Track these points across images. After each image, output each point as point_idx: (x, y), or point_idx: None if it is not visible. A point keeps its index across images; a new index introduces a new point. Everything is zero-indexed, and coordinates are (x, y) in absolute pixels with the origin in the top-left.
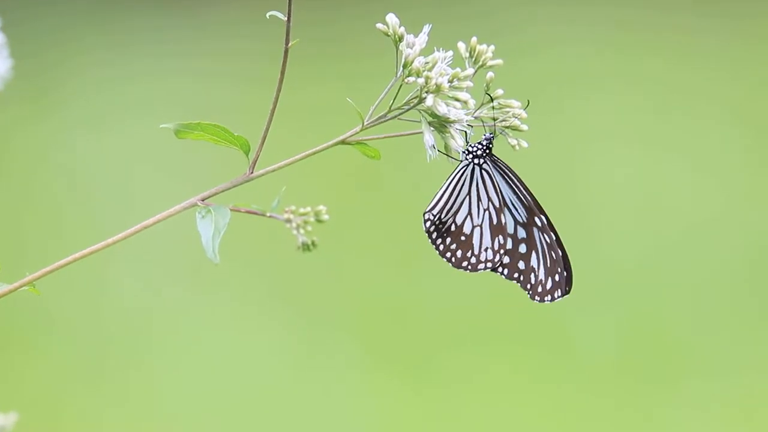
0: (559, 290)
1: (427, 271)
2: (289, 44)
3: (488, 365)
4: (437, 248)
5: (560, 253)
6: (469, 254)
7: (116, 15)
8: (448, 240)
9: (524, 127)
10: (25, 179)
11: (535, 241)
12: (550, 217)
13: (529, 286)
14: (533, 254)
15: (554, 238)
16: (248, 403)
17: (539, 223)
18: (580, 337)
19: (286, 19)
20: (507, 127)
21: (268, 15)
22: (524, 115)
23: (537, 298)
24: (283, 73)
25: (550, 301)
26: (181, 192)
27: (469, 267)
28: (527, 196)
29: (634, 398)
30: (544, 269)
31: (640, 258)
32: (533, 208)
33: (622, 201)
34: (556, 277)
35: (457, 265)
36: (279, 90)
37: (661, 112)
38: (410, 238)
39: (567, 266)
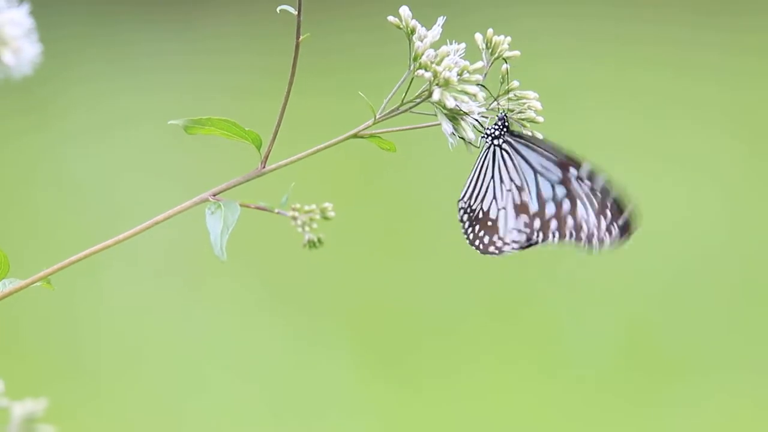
0: (615, 228)
1: (424, 271)
2: (300, 38)
3: (483, 364)
4: (467, 237)
5: (609, 194)
6: (495, 239)
7: (115, 28)
8: (477, 227)
9: (540, 119)
10: (23, 188)
11: (575, 192)
12: (592, 162)
13: (584, 237)
14: (579, 204)
15: (599, 181)
16: (245, 403)
17: (575, 173)
18: (573, 337)
19: (296, 13)
20: (523, 119)
21: (278, 9)
22: (539, 106)
23: (598, 245)
24: (294, 66)
25: (610, 245)
26: (179, 200)
27: (496, 251)
28: (556, 153)
29: (630, 398)
30: (593, 212)
31: (637, 263)
32: (564, 161)
33: None
34: (607, 213)
35: (485, 250)
36: (291, 83)
37: (660, 125)
38: (409, 237)
39: (623, 208)
